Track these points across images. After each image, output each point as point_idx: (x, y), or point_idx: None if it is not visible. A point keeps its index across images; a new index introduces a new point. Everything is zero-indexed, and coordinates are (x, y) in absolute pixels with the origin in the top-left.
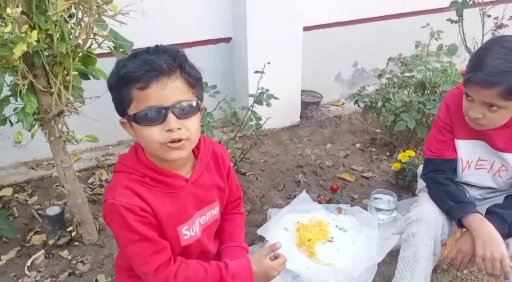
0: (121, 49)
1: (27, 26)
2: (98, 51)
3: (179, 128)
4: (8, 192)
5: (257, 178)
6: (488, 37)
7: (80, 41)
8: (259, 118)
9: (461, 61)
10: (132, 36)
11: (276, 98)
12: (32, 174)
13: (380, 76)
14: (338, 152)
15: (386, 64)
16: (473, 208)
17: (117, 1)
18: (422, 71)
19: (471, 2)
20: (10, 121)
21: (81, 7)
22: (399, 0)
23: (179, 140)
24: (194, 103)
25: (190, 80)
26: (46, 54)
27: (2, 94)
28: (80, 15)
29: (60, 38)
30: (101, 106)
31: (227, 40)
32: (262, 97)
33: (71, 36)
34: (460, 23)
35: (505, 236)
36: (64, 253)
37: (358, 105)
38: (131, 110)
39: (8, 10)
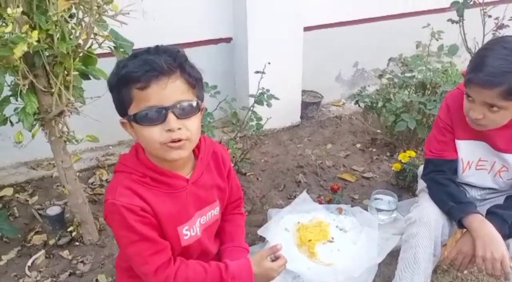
0: (121, 49)
1: (27, 26)
2: (99, 51)
3: (179, 128)
4: (8, 192)
5: (257, 178)
6: (489, 37)
7: (80, 41)
8: (259, 119)
9: (462, 62)
10: (133, 36)
11: (277, 99)
12: (33, 174)
13: (380, 76)
14: (339, 152)
15: (386, 64)
16: (473, 208)
17: (117, 1)
18: (423, 72)
19: (472, 3)
20: (11, 122)
21: (81, 7)
22: (399, 0)
23: (179, 140)
24: (195, 103)
25: (190, 80)
26: (47, 54)
27: (3, 94)
28: (80, 15)
29: (61, 38)
30: (101, 106)
31: (228, 40)
32: (263, 98)
33: (71, 36)
34: (461, 23)
35: (505, 237)
36: (65, 253)
37: (359, 106)
38: (132, 111)
39: (9, 10)
